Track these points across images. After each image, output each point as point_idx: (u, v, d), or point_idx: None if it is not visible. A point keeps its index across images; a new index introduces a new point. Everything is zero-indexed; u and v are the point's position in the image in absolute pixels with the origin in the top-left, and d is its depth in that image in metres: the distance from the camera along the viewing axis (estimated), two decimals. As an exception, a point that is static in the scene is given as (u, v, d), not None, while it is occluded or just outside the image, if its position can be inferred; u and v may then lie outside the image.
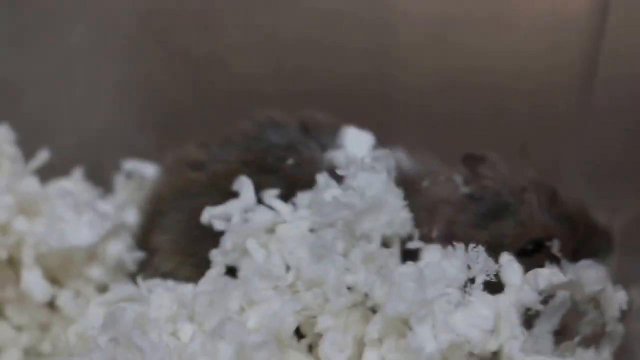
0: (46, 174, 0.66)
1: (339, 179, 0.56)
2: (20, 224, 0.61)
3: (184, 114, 0.75)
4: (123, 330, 0.52)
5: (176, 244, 0.60)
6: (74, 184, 0.68)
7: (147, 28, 0.74)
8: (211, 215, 0.57)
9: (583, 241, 0.55)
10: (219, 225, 0.57)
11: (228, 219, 0.57)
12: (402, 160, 0.59)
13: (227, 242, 0.56)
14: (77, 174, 0.69)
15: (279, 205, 0.57)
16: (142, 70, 0.75)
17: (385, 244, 0.54)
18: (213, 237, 0.57)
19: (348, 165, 0.57)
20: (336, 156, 0.59)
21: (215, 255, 0.56)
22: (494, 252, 0.52)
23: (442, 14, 0.71)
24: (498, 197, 0.55)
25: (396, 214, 0.54)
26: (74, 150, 0.72)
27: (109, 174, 0.72)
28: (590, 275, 0.53)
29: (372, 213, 0.54)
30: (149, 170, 0.70)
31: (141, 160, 0.71)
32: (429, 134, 0.69)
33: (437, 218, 0.55)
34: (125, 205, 0.67)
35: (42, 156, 0.66)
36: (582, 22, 0.68)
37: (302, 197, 0.57)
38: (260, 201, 0.58)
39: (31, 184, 0.64)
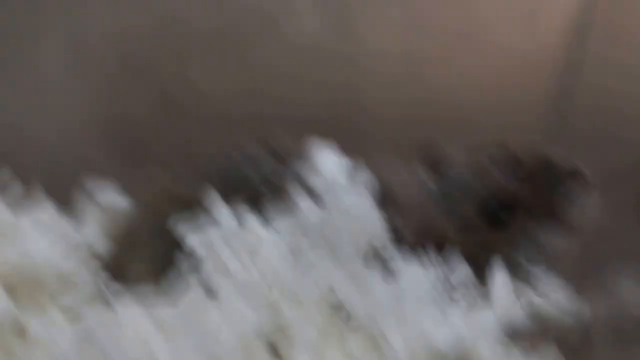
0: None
1: (317, 200, 0.58)
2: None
3: (149, 133, 0.74)
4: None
5: (153, 271, 0.60)
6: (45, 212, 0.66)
7: (115, 48, 0.73)
8: (192, 240, 0.58)
9: (549, 188, 0.55)
10: (200, 251, 0.58)
11: (208, 244, 0.58)
12: (374, 172, 0.59)
13: (206, 264, 0.57)
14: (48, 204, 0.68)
15: (259, 227, 0.58)
16: (109, 90, 0.74)
17: (366, 256, 0.56)
18: (192, 262, 0.58)
19: (325, 186, 0.59)
20: (311, 178, 0.60)
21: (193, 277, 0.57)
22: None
23: (409, 50, 0.73)
24: (457, 178, 0.56)
25: (375, 228, 0.56)
26: (33, 166, 0.71)
27: (70, 191, 0.70)
28: (561, 297, 0.55)
29: (351, 229, 0.56)
30: (112, 191, 0.69)
31: (105, 179, 0.70)
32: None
33: (408, 217, 0.56)
34: (91, 229, 0.66)
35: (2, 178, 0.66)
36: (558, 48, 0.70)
37: (281, 219, 0.58)
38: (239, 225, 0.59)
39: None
